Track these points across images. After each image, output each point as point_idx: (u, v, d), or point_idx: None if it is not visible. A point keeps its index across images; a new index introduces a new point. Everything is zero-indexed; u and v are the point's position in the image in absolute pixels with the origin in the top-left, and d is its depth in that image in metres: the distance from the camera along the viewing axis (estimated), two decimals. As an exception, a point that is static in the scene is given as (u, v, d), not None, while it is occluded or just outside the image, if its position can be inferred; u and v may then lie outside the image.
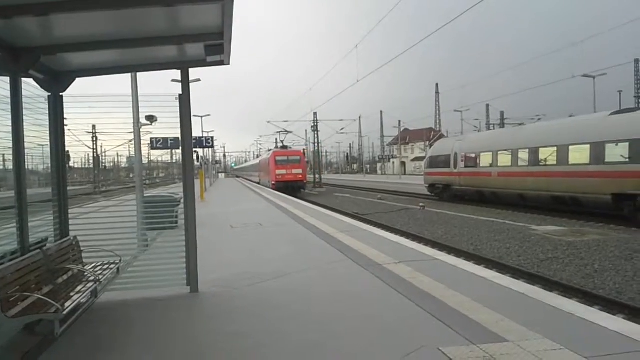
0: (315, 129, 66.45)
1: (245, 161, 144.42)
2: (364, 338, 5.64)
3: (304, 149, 60.15)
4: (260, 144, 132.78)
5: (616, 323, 5.75)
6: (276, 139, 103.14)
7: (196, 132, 45.47)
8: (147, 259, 8.21)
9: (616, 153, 20.57)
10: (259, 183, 64.46)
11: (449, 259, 9.85)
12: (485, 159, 30.15)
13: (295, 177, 50.12)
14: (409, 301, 6.89)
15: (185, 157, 7.96)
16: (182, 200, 7.99)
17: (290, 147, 57.80)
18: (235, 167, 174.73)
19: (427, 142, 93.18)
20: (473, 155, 31.56)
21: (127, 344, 5.76)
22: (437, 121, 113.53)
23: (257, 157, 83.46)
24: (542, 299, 6.72)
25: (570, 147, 23.22)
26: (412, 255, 10.28)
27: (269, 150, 66.07)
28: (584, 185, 22.03)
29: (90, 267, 7.21)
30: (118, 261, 7.35)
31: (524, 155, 26.67)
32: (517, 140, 27.78)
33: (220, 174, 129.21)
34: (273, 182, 50.36)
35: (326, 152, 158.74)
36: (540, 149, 25.34)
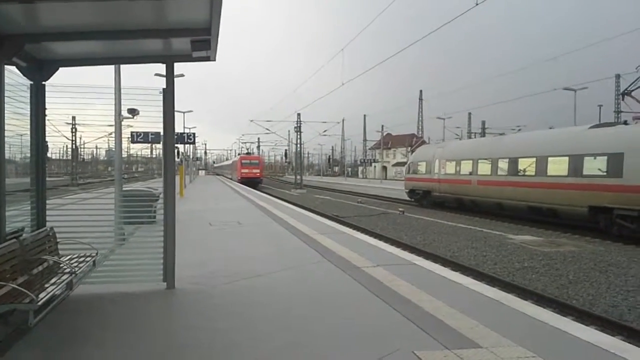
0: (298, 129, 66.32)
1: (227, 159, 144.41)
2: (340, 339, 5.67)
3: (261, 156, 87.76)
4: (242, 143, 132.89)
5: (588, 334, 5.85)
6: (258, 139, 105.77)
7: (178, 128, 45.36)
8: (123, 253, 8.15)
9: (594, 166, 20.88)
10: (231, 179, 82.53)
11: (427, 264, 9.92)
12: (466, 167, 30.37)
13: (255, 175, 71.83)
14: (385, 304, 6.94)
15: (167, 152, 7.91)
16: (161, 196, 7.95)
17: (253, 153, 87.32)
18: (215, 165, 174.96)
19: (409, 148, 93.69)
20: (453, 163, 31.79)
21: (101, 337, 5.71)
22: (420, 127, 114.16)
23: (237, 155, 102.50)
24: (517, 307, 6.81)
25: (549, 159, 23.51)
26: (390, 259, 10.34)
27: (239, 154, 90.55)
28: (562, 196, 22.32)
29: (66, 259, 7.14)
30: (94, 254, 7.28)
31: (503, 164, 26.93)
32: (498, 150, 28.06)
33: (200, 171, 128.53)
34: (239, 178, 71.45)
35: (308, 153, 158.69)
36: (520, 159, 25.62)
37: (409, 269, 9.34)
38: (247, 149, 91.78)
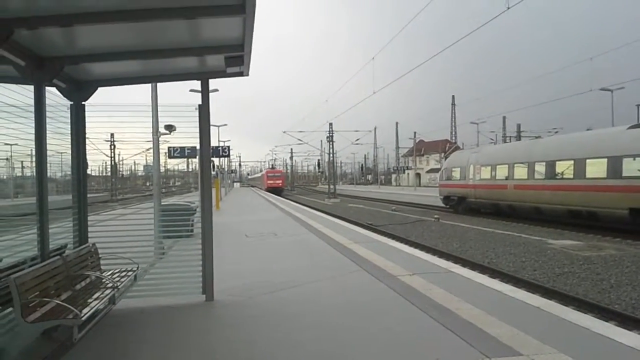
0: (330, 139, 66.39)
1: (260, 171, 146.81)
2: (378, 349, 5.65)
3: (285, 170, 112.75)
4: (275, 154, 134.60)
5: (632, 339, 5.70)
6: (291, 149, 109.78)
7: (213, 142, 46.00)
8: (163, 266, 8.28)
9: (634, 167, 20.36)
10: (261, 188, 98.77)
11: (464, 272, 9.81)
12: (501, 172, 29.99)
13: (277, 185, 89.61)
14: (423, 313, 6.88)
15: (203, 166, 8.04)
16: (199, 209, 8.06)
17: (277, 167, 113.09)
18: (249, 177, 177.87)
19: (443, 154, 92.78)
20: (489, 168, 31.42)
21: (142, 350, 5.81)
22: (453, 133, 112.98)
23: (268, 167, 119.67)
24: (558, 314, 6.68)
25: (588, 161, 23.02)
26: (426, 267, 10.26)
27: (271, 166, 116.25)
28: (601, 199, 21.81)
29: (108, 273, 7.30)
30: (135, 268, 7.43)
31: (540, 168, 26.48)
32: (534, 153, 27.61)
33: (235, 183, 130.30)
34: (265, 187, 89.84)
35: (341, 162, 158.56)
36: (557, 162, 25.16)
37: (446, 276, 9.26)
38: (272, 165, 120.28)
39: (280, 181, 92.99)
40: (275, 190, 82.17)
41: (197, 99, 7.78)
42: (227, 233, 17.61)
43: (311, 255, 12.37)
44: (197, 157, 8.03)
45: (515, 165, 28.73)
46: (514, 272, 14.18)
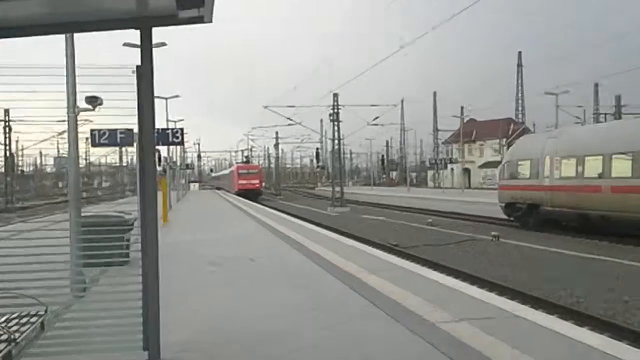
0: (335, 118, 66.53)
1: (230, 165, 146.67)
2: None
3: (266, 164, 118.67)
4: (252, 139, 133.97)
5: None
6: (276, 133, 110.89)
7: (159, 122, 45.90)
8: (85, 309, 8.26)
9: None
10: (229, 191, 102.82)
11: (536, 316, 9.79)
12: (593, 166, 29.93)
13: (253, 186, 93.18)
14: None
15: (144, 159, 8.00)
16: (137, 223, 8.03)
17: (255, 160, 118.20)
18: (213, 175, 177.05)
19: (504, 140, 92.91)
20: (573, 161, 31.40)
21: None
22: (519, 109, 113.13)
23: (244, 160, 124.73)
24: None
25: None
26: (479, 309, 10.23)
27: (244, 158, 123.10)
28: None
29: (2, 320, 7.27)
30: (42, 312, 7.40)
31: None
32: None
33: (192, 184, 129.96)
34: (236, 190, 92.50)
35: (351, 152, 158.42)
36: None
37: (511, 324, 9.23)
38: (246, 157, 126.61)
39: (257, 180, 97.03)
40: (250, 194, 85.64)
41: (136, 57, 7.75)
42: (181, 258, 17.60)
43: (306, 292, 12.38)
44: (135, 144, 7.97)
45: (614, 156, 28.72)
46: (612, 318, 14.20)
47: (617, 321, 13.81)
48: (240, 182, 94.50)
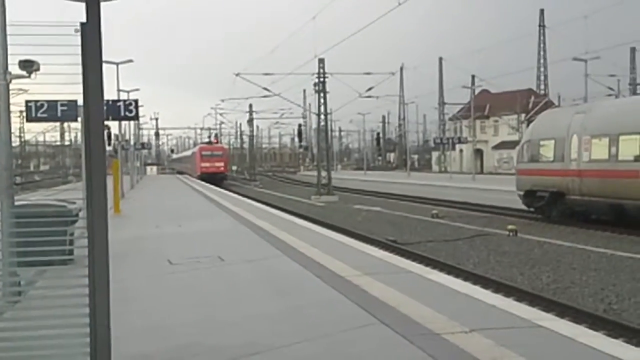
0: (320, 87, 66.34)
1: (194, 145, 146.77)
2: None
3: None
4: (221, 114, 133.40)
5: None
6: (250, 107, 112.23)
7: (109, 92, 45.52)
8: (19, 317, 8.23)
9: None
10: (191, 175, 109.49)
11: (561, 327, 9.80)
12: (629, 147, 29.97)
13: (217, 169, 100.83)
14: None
15: (91, 137, 7.96)
16: (82, 214, 7.99)
17: (216, 143, 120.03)
18: (173, 157, 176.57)
19: (523, 116, 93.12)
20: (606, 140, 31.43)
21: None
22: (541, 78, 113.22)
23: (209, 140, 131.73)
24: None
25: None
26: (495, 318, 10.26)
27: (197, 144, 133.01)
28: None
29: None
30: (-33, 321, 7.36)
31: None
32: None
33: (149, 167, 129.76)
34: (198, 173, 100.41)
35: (340, 130, 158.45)
36: None
37: (531, 335, 9.25)
38: (214, 135, 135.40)
39: (222, 163, 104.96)
40: (214, 178, 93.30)
41: (80, 13, 7.68)
42: (136, 257, 17.59)
43: (287, 297, 12.41)
44: (80, 119, 7.93)
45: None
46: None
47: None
48: (203, 164, 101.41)
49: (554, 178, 34.54)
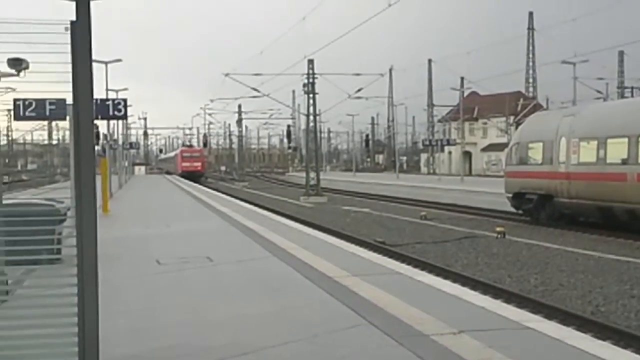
0: (309, 89, 66.32)
1: (185, 144, 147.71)
2: None
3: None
4: (210, 114, 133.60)
5: None
6: (239, 107, 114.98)
7: (98, 91, 45.56)
8: (6, 317, 8.20)
9: None
10: (173, 173, 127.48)
11: (549, 329, 9.82)
12: (616, 150, 30.02)
13: (196, 168, 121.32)
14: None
15: (80, 136, 7.93)
16: (71, 213, 7.95)
17: (195, 146, 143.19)
18: (161, 157, 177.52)
19: (512, 118, 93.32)
20: (594, 143, 31.49)
21: None
22: (530, 80, 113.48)
23: (187, 143, 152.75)
24: None
25: None
26: (483, 319, 10.28)
27: (179, 147, 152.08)
28: None
29: None
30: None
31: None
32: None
33: (138, 167, 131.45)
34: (179, 172, 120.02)
35: (329, 131, 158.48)
36: None
37: (519, 337, 9.27)
38: (189, 141, 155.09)
39: (199, 163, 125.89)
40: (193, 176, 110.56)
41: (70, 11, 7.66)
42: (124, 257, 17.55)
43: (276, 298, 12.38)
44: (68, 118, 7.90)
45: (643, 138, 28.85)
46: (637, 329, 14.30)
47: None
48: (184, 164, 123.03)
49: (542, 180, 34.60)
